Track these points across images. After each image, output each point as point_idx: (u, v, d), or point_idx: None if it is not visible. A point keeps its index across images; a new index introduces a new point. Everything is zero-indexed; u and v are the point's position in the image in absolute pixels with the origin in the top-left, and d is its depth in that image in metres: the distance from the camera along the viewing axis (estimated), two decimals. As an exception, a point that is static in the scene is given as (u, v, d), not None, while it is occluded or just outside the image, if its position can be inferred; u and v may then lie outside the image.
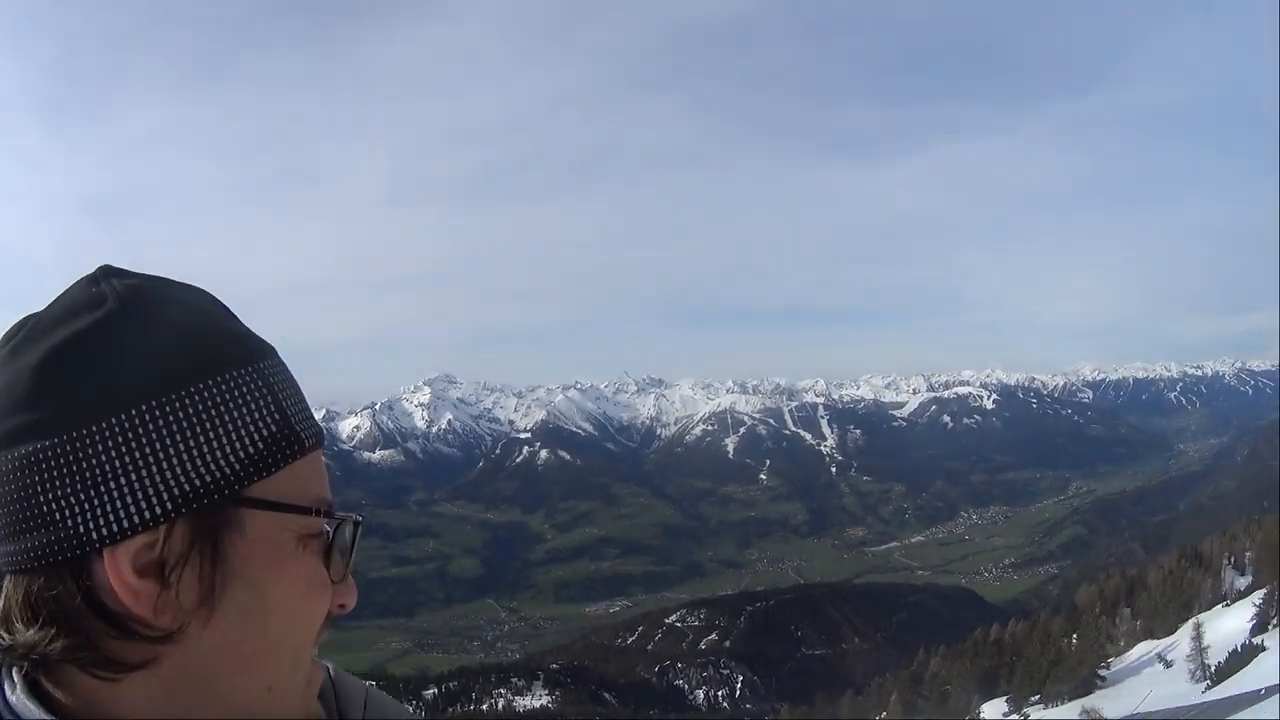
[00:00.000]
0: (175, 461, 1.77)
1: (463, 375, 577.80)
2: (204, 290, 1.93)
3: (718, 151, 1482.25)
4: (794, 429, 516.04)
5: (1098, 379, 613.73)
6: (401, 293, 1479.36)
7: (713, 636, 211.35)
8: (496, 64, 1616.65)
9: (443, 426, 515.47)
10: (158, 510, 1.75)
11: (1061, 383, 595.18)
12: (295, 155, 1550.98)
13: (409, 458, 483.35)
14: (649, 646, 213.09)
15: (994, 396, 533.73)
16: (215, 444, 1.81)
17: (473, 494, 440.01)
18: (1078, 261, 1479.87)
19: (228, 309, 1.95)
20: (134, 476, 1.74)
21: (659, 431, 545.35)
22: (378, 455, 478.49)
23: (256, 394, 1.87)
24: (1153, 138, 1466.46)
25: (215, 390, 1.81)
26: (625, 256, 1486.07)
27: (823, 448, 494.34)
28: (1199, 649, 46.12)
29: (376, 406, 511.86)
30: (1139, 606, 71.16)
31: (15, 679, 1.80)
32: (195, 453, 1.78)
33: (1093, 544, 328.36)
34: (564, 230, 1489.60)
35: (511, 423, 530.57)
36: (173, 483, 1.76)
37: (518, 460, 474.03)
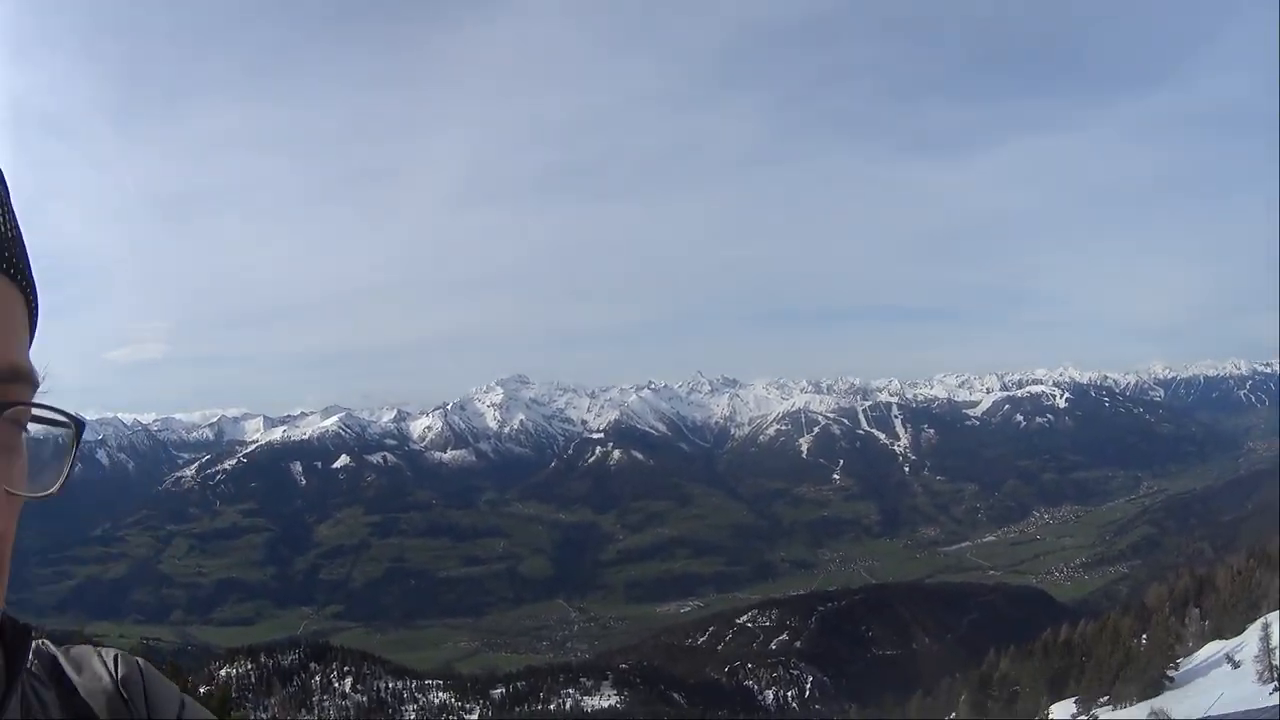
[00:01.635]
0: None
1: (536, 376, 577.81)
2: None
3: (792, 151, 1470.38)
4: (868, 428, 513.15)
5: (1169, 377, 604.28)
6: (475, 293, 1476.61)
7: (783, 637, 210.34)
8: (570, 62, 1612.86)
9: (515, 427, 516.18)
10: None
11: (1133, 381, 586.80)
12: (366, 156, 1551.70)
13: (480, 458, 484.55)
14: (719, 647, 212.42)
15: (1066, 395, 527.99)
16: None
17: (544, 494, 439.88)
18: (1150, 258, 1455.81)
19: None
20: None
21: (733, 431, 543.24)
22: (449, 455, 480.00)
23: None
24: (1225, 133, 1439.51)
25: None
26: (699, 256, 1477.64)
27: (896, 447, 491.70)
28: (1267, 650, 45.13)
29: (448, 407, 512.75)
30: (1207, 606, 69.94)
31: None
32: None
33: (1163, 543, 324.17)
34: (638, 230, 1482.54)
35: (584, 423, 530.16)
36: None
37: (590, 460, 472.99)
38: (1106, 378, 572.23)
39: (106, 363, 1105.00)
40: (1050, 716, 63.94)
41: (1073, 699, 65.40)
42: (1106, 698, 60.10)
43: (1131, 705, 54.94)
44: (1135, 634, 69.27)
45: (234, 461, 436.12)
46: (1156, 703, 49.07)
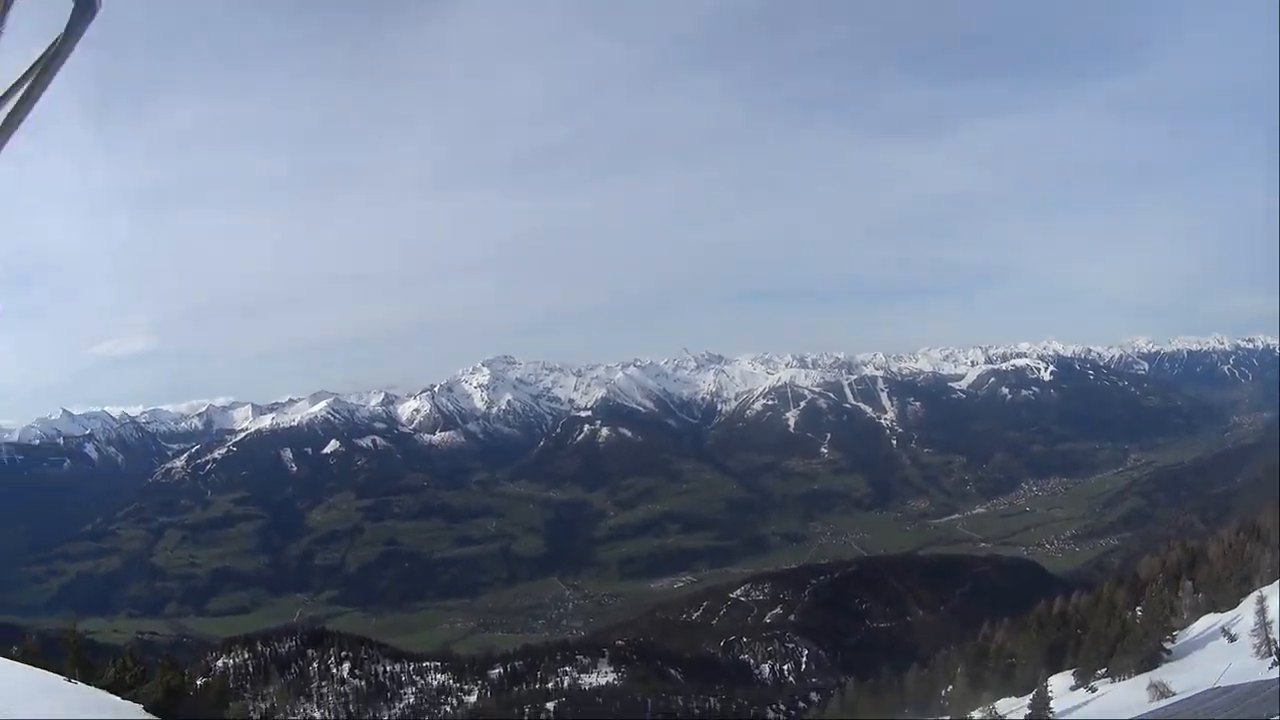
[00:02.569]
0: None
1: (521, 356, 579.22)
2: None
3: (767, 132, 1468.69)
4: (854, 402, 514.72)
5: (1152, 351, 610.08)
6: (457, 277, 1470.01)
7: (777, 610, 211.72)
8: (540, 47, 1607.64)
9: (502, 407, 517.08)
10: None
11: (1118, 354, 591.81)
12: (343, 146, 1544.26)
13: (469, 439, 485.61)
14: (714, 622, 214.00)
15: (1051, 368, 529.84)
16: None
17: (534, 473, 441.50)
18: (1130, 235, 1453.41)
19: None
20: None
21: (719, 407, 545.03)
22: (438, 437, 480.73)
23: None
24: (1203, 114, 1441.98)
25: None
26: (680, 236, 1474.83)
27: (883, 420, 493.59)
28: (1263, 624, 45.77)
29: (435, 389, 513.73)
30: (1200, 579, 70.78)
31: None
32: None
33: (1152, 516, 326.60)
34: (617, 211, 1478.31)
35: (571, 401, 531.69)
36: None
37: (578, 439, 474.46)
38: (1090, 351, 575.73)
39: (91, 356, 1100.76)
40: (1048, 689, 64.61)
41: (1070, 671, 66.02)
42: (1104, 670, 60.78)
43: (1130, 677, 55.55)
44: (1130, 606, 70.04)
45: (224, 450, 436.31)
46: (1155, 675, 49.72)
